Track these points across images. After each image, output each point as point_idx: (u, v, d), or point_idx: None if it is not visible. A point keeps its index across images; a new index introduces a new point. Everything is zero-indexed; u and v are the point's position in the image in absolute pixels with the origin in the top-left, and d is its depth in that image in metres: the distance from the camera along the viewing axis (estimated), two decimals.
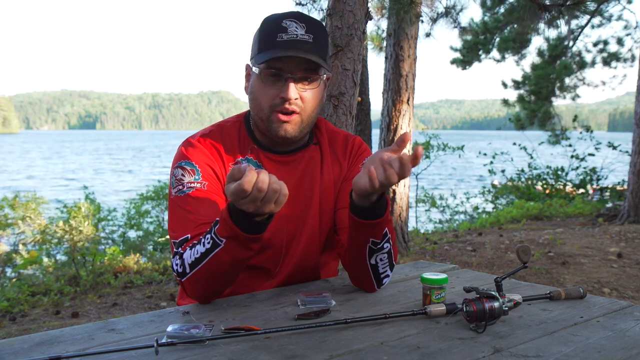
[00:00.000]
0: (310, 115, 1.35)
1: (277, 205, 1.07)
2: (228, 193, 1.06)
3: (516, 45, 11.62)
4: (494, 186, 12.35)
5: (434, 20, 5.63)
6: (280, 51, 1.26)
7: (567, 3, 3.87)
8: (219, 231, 1.15)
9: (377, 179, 1.10)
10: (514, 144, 11.50)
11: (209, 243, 1.17)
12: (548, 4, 3.93)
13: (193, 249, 1.21)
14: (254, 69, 1.33)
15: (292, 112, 1.31)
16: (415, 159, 1.09)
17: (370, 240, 1.25)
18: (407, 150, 5.59)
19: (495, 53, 11.84)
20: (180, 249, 1.26)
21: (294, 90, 1.28)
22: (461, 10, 5.60)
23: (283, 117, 1.31)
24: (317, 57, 1.29)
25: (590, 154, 11.03)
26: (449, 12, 5.52)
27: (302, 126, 1.35)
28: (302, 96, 1.31)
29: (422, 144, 10.36)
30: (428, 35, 5.82)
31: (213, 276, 1.21)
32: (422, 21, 5.43)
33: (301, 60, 1.28)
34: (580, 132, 11.32)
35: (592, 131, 11.21)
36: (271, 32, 1.29)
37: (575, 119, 11.90)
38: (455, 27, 5.61)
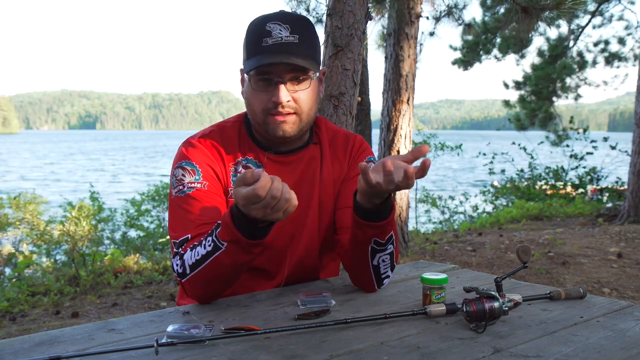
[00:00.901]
0: (308, 114, 1.35)
1: (284, 214, 1.06)
2: (238, 197, 1.04)
3: (517, 44, 11.63)
4: (493, 186, 12.35)
5: (437, 19, 5.62)
6: (267, 57, 1.25)
7: (549, 5, 3.86)
8: (221, 235, 1.14)
9: (373, 181, 1.10)
10: (513, 143, 11.51)
11: (210, 245, 1.17)
12: (525, 6, 3.91)
13: (194, 250, 1.21)
14: (245, 75, 1.34)
15: (288, 113, 1.31)
16: (422, 171, 1.07)
17: (373, 241, 1.25)
18: (408, 150, 5.59)
19: (496, 52, 11.85)
20: (180, 249, 1.26)
21: (285, 93, 1.28)
22: (464, 7, 5.59)
23: (279, 118, 1.30)
24: (304, 57, 1.28)
25: (588, 153, 11.04)
26: (452, 12, 5.51)
27: (301, 125, 1.34)
28: (295, 97, 1.31)
29: (418, 144, 10.34)
30: (432, 34, 5.82)
31: (213, 278, 1.21)
32: (428, 18, 5.42)
33: (289, 63, 1.27)
34: (578, 132, 11.34)
35: (586, 131, 11.22)
36: (256, 37, 1.28)
37: (571, 120, 11.92)
38: (460, 24, 5.60)
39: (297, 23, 1.30)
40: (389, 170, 1.07)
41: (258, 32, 1.28)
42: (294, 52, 1.27)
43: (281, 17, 1.29)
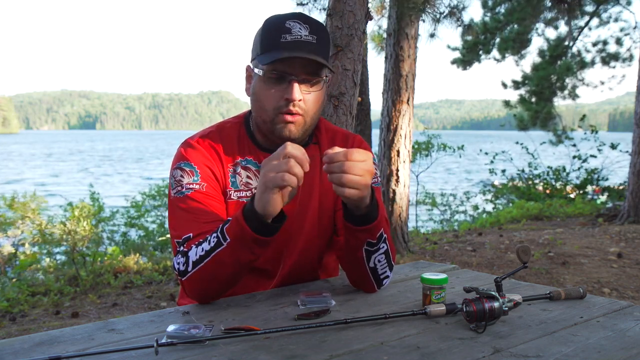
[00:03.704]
0: (313, 117, 1.35)
1: (285, 193, 1.11)
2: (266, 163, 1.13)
3: (516, 45, 11.63)
4: (494, 186, 12.35)
5: (437, 21, 5.62)
6: (286, 52, 1.25)
7: None
8: (228, 229, 1.16)
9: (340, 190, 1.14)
10: (517, 142, 11.46)
11: (213, 241, 1.18)
12: None
13: (199, 247, 1.22)
14: (256, 70, 1.32)
15: (296, 114, 1.31)
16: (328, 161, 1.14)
17: (366, 242, 1.26)
18: (408, 150, 5.59)
19: (495, 53, 11.84)
20: (183, 247, 1.26)
21: (298, 92, 1.28)
22: (464, 9, 5.58)
23: (288, 118, 1.30)
24: (321, 58, 1.29)
25: (592, 156, 10.99)
26: (453, 13, 5.51)
27: (305, 127, 1.35)
28: (305, 98, 1.31)
29: (423, 143, 10.34)
30: (432, 35, 5.81)
31: (213, 277, 1.21)
32: (424, 21, 5.42)
33: (305, 62, 1.27)
34: (585, 133, 11.24)
35: (597, 132, 11.10)
36: (275, 33, 1.28)
37: (583, 118, 11.87)
38: (459, 25, 5.59)
39: (316, 25, 1.30)
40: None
41: (276, 29, 1.28)
42: (313, 51, 1.27)
43: (301, 17, 1.30)
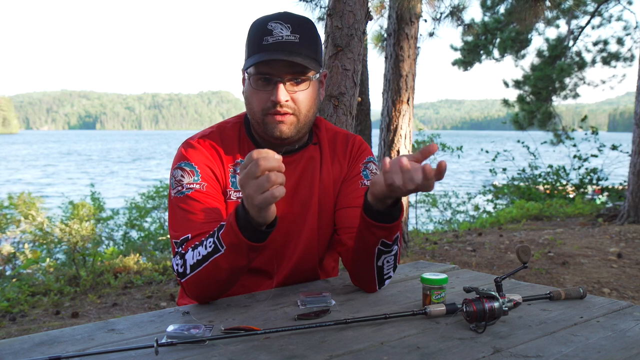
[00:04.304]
0: (307, 116, 1.34)
1: (266, 195, 1.06)
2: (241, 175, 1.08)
3: (516, 45, 11.63)
4: (494, 186, 12.35)
5: (437, 20, 5.62)
6: (266, 55, 1.26)
7: None
8: (223, 236, 1.16)
9: (388, 180, 1.09)
10: (518, 141, 11.46)
11: (210, 247, 1.18)
12: None
13: (195, 250, 1.22)
14: (245, 74, 1.34)
15: (286, 113, 1.31)
16: (438, 174, 1.05)
17: (381, 242, 1.25)
18: (408, 150, 5.59)
19: (495, 53, 11.85)
20: (181, 248, 1.27)
21: (283, 93, 1.28)
22: (464, 8, 5.59)
23: (278, 118, 1.30)
24: (304, 57, 1.28)
25: (593, 155, 10.99)
26: (454, 13, 5.51)
27: (299, 127, 1.34)
28: (294, 98, 1.31)
29: (421, 143, 10.36)
30: (432, 34, 5.81)
31: (211, 280, 1.21)
32: (425, 20, 5.43)
33: (289, 62, 1.27)
34: (585, 133, 11.24)
35: (597, 133, 11.08)
36: (257, 36, 1.29)
37: (584, 119, 11.87)
38: (460, 24, 5.60)
39: (299, 23, 1.30)
40: (406, 167, 1.06)
41: (259, 31, 1.29)
42: (294, 51, 1.27)
43: (283, 17, 1.30)
